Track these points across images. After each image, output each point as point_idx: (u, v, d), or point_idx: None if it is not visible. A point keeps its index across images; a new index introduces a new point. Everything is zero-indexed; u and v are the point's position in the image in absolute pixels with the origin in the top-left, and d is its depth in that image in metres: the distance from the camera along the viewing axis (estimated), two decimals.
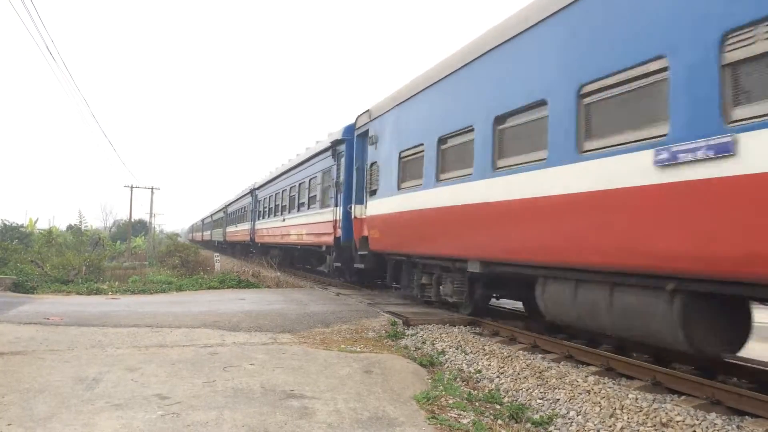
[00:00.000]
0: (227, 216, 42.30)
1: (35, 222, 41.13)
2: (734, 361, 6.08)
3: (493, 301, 10.33)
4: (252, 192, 30.22)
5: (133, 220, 52.24)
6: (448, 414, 4.81)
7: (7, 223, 31.83)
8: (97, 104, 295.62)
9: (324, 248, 16.66)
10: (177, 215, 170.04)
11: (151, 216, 56.34)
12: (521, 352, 7.22)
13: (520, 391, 5.81)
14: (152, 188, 50.81)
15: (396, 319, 9.49)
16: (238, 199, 36.91)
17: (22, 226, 36.03)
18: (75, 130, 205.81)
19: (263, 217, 26.59)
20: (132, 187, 47.62)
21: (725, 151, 4.59)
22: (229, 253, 41.59)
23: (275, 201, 24.02)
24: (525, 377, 6.14)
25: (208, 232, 57.16)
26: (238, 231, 35.43)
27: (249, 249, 32.12)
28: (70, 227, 41.45)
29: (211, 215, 55.83)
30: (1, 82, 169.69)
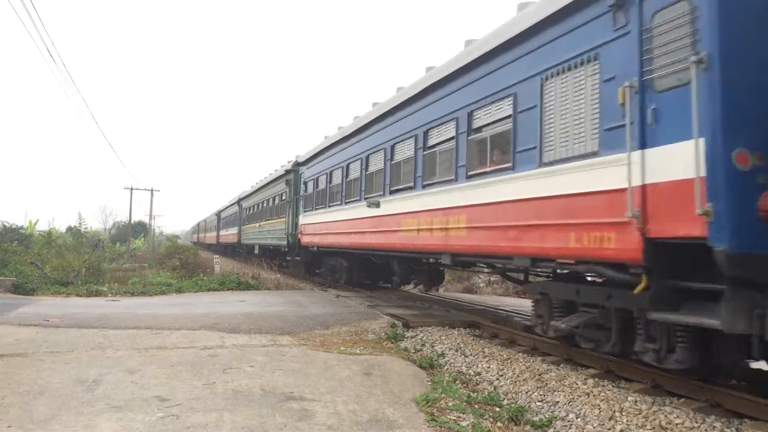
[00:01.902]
0: (311, 188, 17.44)
1: (35, 223, 41.17)
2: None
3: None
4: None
5: (132, 221, 52.21)
6: (448, 416, 4.82)
7: (6, 224, 31.78)
8: (97, 106, 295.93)
9: None
10: (177, 217, 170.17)
11: (150, 218, 56.12)
12: (521, 354, 7.23)
13: (520, 394, 5.82)
14: (152, 190, 50.72)
15: (396, 321, 9.50)
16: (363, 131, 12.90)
17: (21, 227, 36.00)
18: (75, 131, 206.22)
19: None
20: (132, 189, 47.61)
21: None
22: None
23: None
24: (524, 379, 6.15)
25: (233, 230, 36.01)
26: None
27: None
28: (69, 229, 41.38)
29: (239, 201, 33.92)
30: (1, 83, 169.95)
